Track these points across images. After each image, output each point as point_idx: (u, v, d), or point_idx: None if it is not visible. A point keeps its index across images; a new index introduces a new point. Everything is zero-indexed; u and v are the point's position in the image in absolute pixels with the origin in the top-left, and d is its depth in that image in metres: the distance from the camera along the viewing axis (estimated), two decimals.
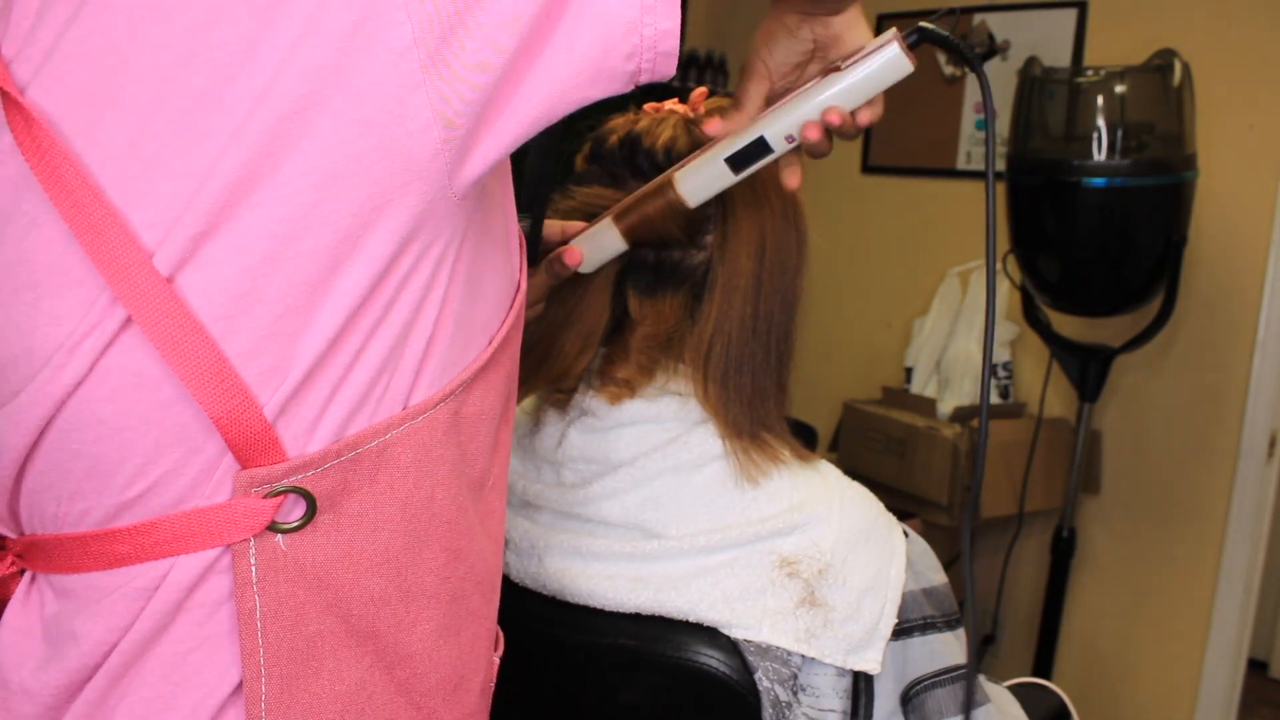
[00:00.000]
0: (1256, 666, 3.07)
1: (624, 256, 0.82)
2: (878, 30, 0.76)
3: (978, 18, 2.68)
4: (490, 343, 0.60)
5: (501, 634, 0.72)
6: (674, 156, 0.81)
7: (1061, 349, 2.22)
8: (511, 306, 0.63)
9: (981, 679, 0.84)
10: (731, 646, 0.74)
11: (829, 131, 0.74)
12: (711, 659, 0.74)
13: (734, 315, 0.79)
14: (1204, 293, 2.30)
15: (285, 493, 0.51)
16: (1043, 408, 2.37)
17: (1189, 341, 2.34)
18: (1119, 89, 1.96)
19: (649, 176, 0.81)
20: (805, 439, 0.86)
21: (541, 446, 0.83)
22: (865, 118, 0.75)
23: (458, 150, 0.51)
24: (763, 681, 0.74)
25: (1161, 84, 1.98)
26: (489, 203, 0.58)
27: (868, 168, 2.96)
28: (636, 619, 0.76)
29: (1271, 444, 2.27)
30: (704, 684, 0.74)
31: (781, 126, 0.75)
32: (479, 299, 0.58)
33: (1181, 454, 2.38)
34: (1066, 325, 2.25)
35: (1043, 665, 2.29)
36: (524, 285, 0.65)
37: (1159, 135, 1.97)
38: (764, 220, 0.81)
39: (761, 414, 0.80)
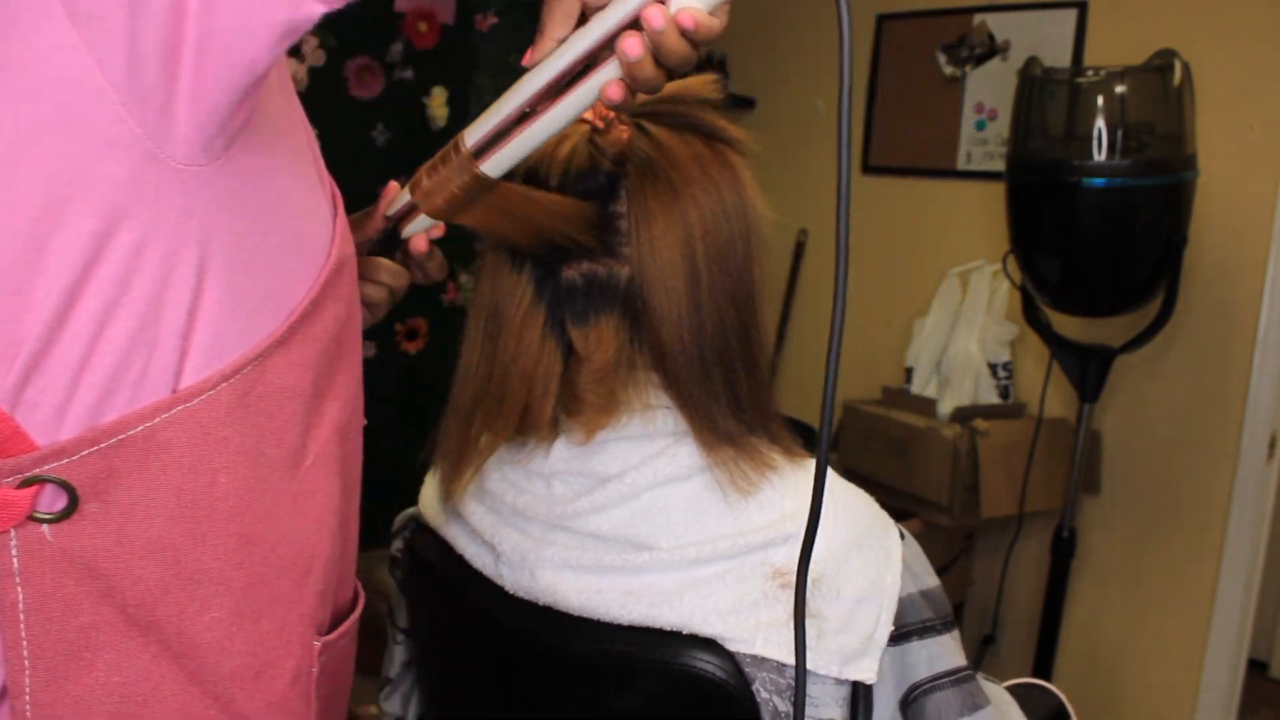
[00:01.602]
0: (1256, 666, 3.06)
1: (554, 289, 0.77)
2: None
3: (978, 18, 2.67)
4: (289, 315, 0.56)
5: (361, 599, 0.68)
6: (572, 172, 0.75)
7: (1061, 349, 2.22)
8: (319, 278, 0.58)
9: (980, 679, 0.83)
10: (728, 654, 0.74)
11: (655, 56, 0.60)
12: (708, 665, 0.73)
13: (672, 335, 0.75)
14: (1204, 293, 2.30)
15: (41, 482, 0.50)
16: (1043, 408, 2.37)
17: (1189, 341, 2.34)
18: (1119, 89, 1.96)
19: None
20: (804, 439, 0.83)
21: (529, 458, 0.82)
22: (689, 21, 0.59)
23: (154, 110, 0.47)
24: (760, 692, 0.73)
25: (1161, 84, 1.98)
26: (266, 168, 0.54)
27: (868, 168, 2.96)
28: (632, 626, 0.76)
29: (1271, 444, 2.27)
30: (701, 690, 0.73)
31: (590, 39, 0.62)
32: (261, 271, 0.54)
33: (1181, 454, 2.38)
34: (1066, 325, 2.25)
35: (1043, 665, 2.29)
36: (339, 254, 0.60)
37: (1159, 135, 1.97)
38: (689, 223, 0.74)
39: (742, 420, 0.77)
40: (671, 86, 0.77)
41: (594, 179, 0.75)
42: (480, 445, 0.81)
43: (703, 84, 0.78)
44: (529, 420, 0.79)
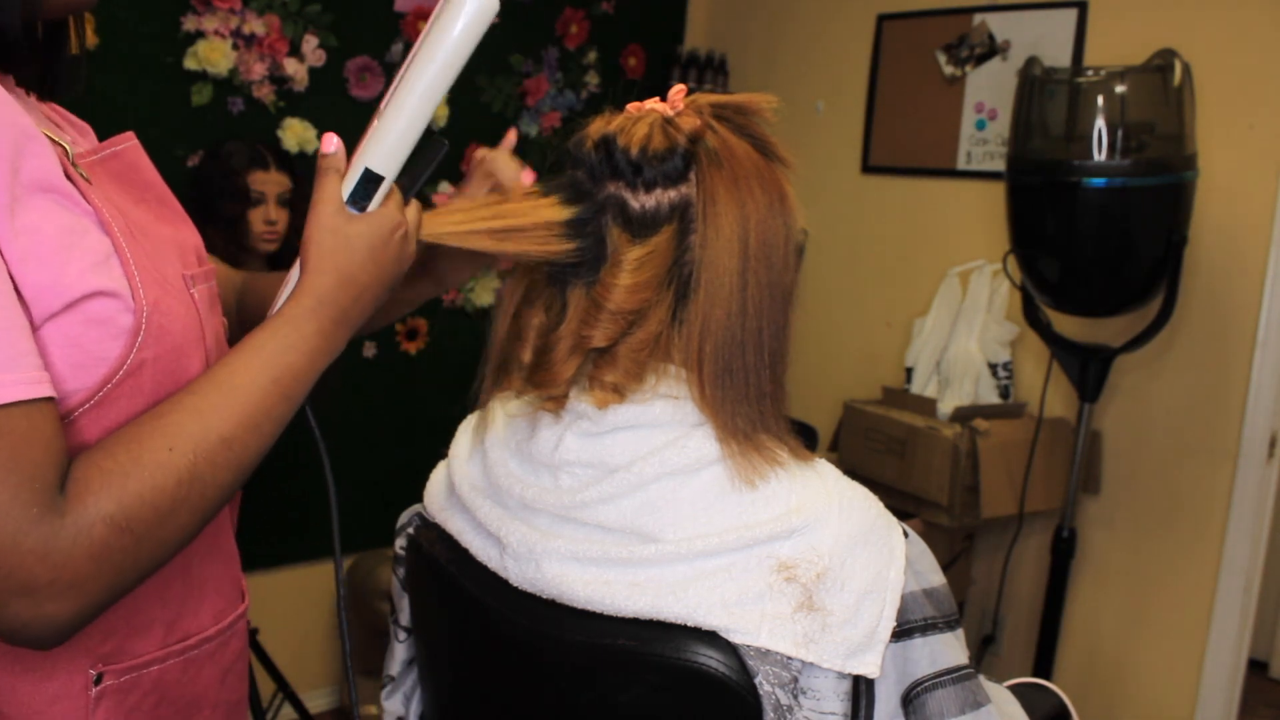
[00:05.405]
0: (1256, 666, 3.07)
1: None
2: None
3: (978, 18, 2.68)
4: None
5: None
6: (649, 154, 0.80)
7: (1061, 349, 2.22)
8: None
9: (981, 679, 0.84)
10: (731, 649, 0.74)
11: None
12: (712, 659, 0.73)
13: (720, 313, 0.79)
14: (1204, 293, 2.30)
15: None
16: (1043, 408, 2.37)
17: (1189, 341, 2.34)
18: (1119, 89, 1.97)
19: (626, 177, 0.81)
20: (805, 439, 0.85)
21: (539, 450, 0.83)
22: None
23: None
24: (763, 685, 0.74)
25: (1161, 84, 1.98)
26: None
27: (868, 168, 2.96)
28: (637, 620, 0.76)
29: (1271, 444, 2.27)
30: (704, 685, 0.74)
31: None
32: None
33: (1181, 454, 2.38)
34: (1066, 325, 2.25)
35: (1043, 665, 2.29)
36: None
37: (1159, 135, 1.98)
38: (746, 213, 0.80)
39: (757, 414, 0.80)
40: (739, 97, 0.85)
41: (671, 160, 0.80)
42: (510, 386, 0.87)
43: (766, 101, 0.86)
44: (555, 378, 0.82)
